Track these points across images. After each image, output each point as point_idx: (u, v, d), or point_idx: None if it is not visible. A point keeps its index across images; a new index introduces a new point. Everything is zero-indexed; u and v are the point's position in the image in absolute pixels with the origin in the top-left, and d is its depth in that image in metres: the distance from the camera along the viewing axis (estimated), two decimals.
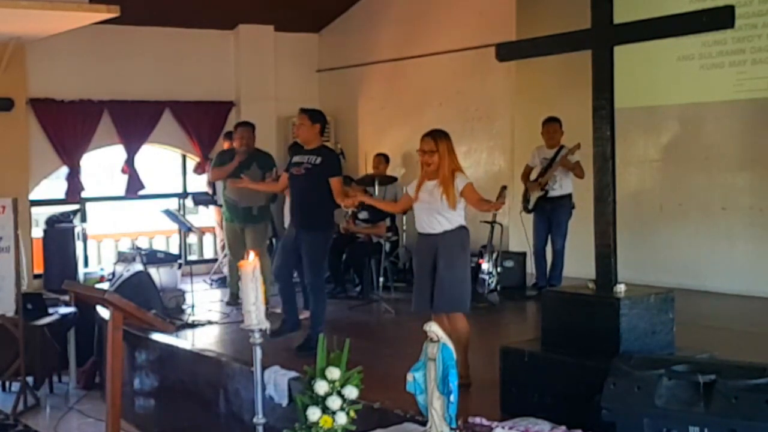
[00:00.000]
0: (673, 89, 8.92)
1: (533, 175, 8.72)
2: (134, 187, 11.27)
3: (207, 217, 11.64)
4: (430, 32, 10.96)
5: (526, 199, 8.72)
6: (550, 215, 8.56)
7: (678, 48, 8.58)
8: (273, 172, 8.29)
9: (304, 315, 7.28)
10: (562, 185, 8.51)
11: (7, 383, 8.38)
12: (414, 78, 11.27)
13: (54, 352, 8.34)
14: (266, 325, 3.77)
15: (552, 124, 8.61)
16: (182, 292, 8.79)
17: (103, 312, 7.63)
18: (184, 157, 11.95)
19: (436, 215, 5.56)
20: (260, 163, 8.40)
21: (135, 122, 11.13)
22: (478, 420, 4.54)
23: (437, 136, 5.60)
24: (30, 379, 7.99)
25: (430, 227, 5.60)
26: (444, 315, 5.55)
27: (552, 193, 8.51)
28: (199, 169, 11.62)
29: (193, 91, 11.56)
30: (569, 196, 8.55)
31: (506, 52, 5.46)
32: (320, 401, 3.66)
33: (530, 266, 8.98)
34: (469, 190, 5.55)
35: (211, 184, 10.63)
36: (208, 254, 12.26)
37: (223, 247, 10.27)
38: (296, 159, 6.92)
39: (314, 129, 6.84)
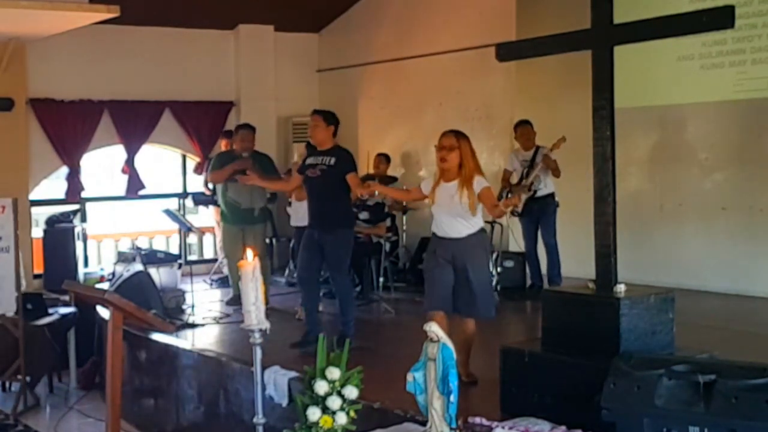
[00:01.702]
0: (673, 89, 8.92)
1: (514, 179, 8.80)
2: (134, 187, 11.27)
3: (207, 217, 11.64)
4: (430, 32, 10.95)
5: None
6: (539, 215, 8.65)
7: (678, 48, 8.58)
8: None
9: (302, 314, 7.30)
10: (546, 184, 8.63)
11: (7, 383, 8.38)
12: (414, 78, 11.26)
13: (54, 352, 8.34)
14: (266, 325, 3.77)
15: (525, 127, 8.77)
16: (182, 292, 8.79)
17: (103, 312, 7.64)
18: (184, 157, 11.95)
19: (458, 219, 5.49)
20: (260, 165, 8.38)
21: (135, 122, 11.12)
22: (478, 420, 4.55)
23: (460, 134, 5.55)
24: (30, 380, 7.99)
25: (452, 231, 5.51)
26: (447, 316, 5.53)
27: (539, 193, 8.60)
28: (199, 169, 11.61)
29: (193, 91, 11.56)
30: (552, 194, 8.68)
31: (506, 52, 5.46)
32: (320, 401, 3.66)
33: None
34: (487, 194, 5.48)
35: (207, 184, 10.64)
36: (208, 254, 12.26)
37: (222, 248, 10.27)
38: (310, 161, 6.88)
39: (329, 130, 6.85)
